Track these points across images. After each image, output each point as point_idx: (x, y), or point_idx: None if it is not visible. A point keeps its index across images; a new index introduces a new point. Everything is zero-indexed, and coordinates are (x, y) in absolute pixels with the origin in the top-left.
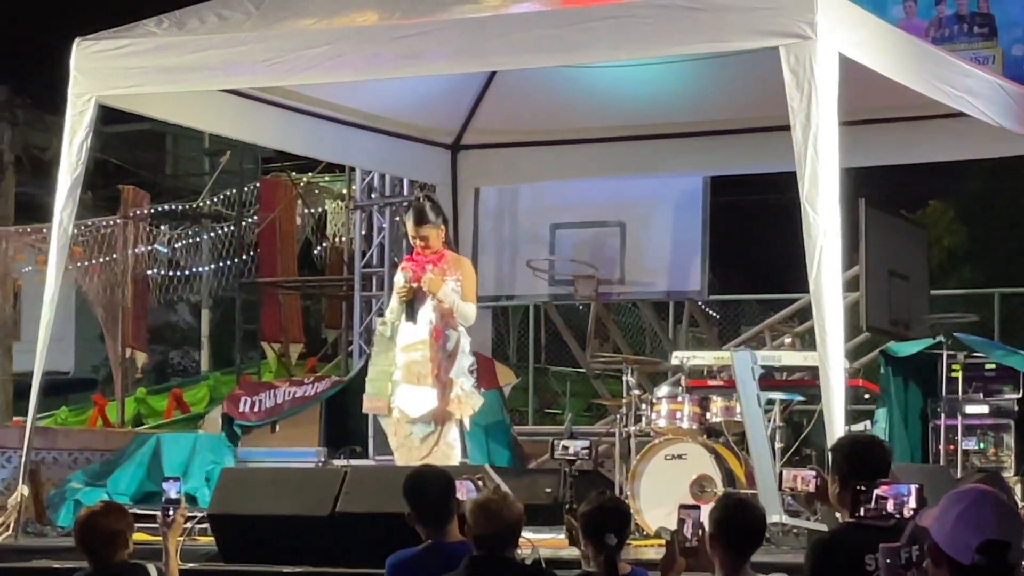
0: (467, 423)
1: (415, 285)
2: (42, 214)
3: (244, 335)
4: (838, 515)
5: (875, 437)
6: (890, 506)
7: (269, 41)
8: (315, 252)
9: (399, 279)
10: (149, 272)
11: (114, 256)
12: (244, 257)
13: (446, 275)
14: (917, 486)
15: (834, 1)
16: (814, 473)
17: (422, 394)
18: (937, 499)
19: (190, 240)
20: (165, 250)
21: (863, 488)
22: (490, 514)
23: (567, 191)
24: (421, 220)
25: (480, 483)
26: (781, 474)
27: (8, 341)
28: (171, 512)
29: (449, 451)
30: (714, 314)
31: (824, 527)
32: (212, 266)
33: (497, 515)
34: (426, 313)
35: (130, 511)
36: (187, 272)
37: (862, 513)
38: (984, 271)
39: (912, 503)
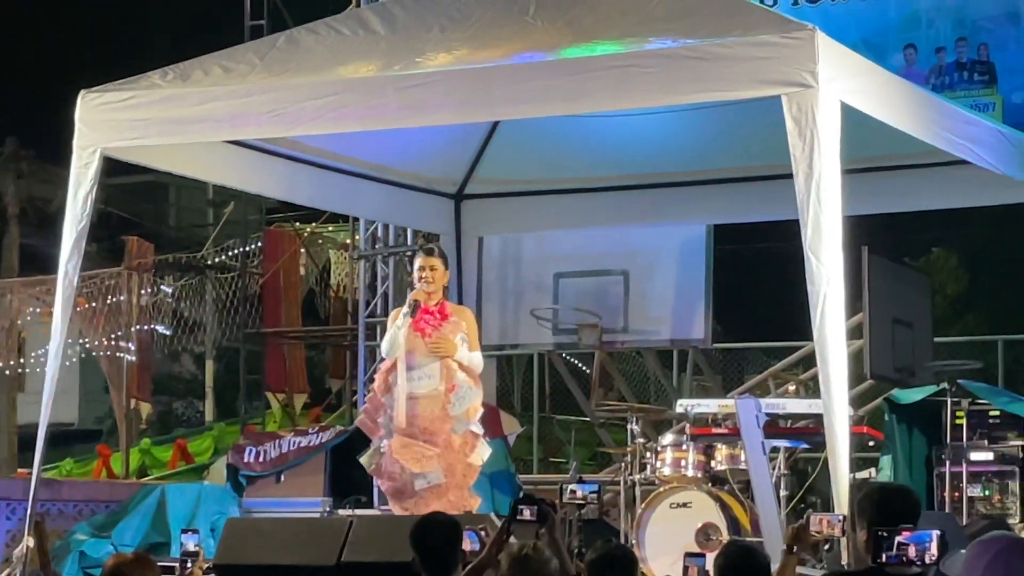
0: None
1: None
2: (47, 265)
3: (248, 385)
4: (844, 563)
5: (904, 486)
6: (912, 553)
7: (273, 92)
8: (319, 306)
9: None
10: (153, 323)
11: (118, 307)
12: (248, 308)
13: (450, 330)
14: (939, 533)
15: (835, 50)
16: (840, 517)
17: (426, 450)
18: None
19: (194, 291)
20: (169, 301)
21: (885, 534)
22: (529, 570)
23: (570, 240)
24: (430, 253)
25: (483, 533)
26: (808, 518)
27: (13, 393)
28: (189, 565)
29: (476, 502)
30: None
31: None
32: (216, 317)
33: (537, 571)
34: (438, 367)
35: None
36: (191, 323)
37: (883, 559)
38: (987, 318)
39: (934, 550)
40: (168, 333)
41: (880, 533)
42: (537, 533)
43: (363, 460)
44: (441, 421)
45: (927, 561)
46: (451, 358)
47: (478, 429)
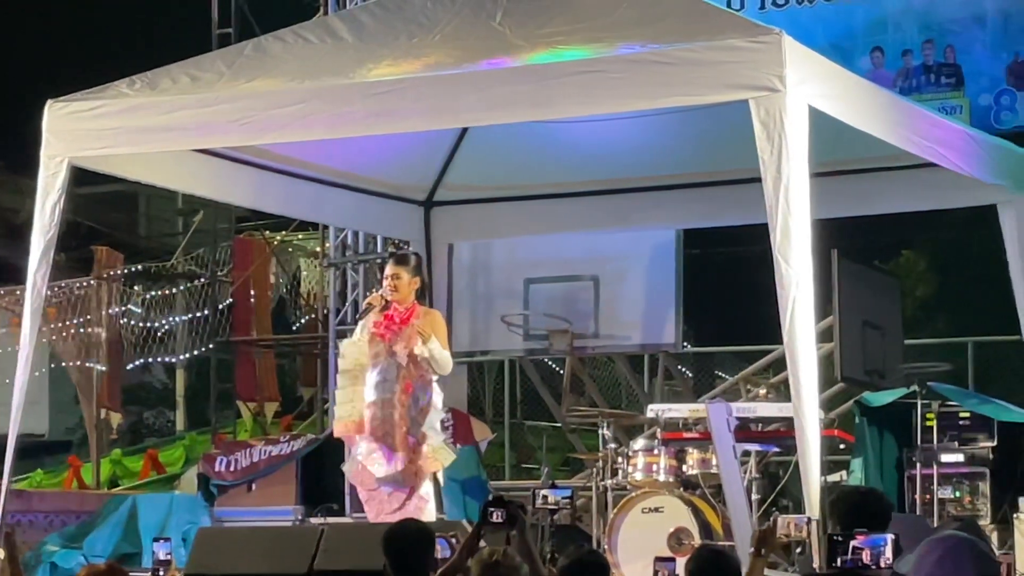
0: (441, 478)
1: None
2: (15, 276)
3: (219, 394)
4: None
5: (875, 489)
6: (866, 557)
7: (241, 101)
8: (289, 314)
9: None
10: (123, 332)
11: (88, 317)
12: (218, 316)
13: (419, 330)
14: (893, 536)
15: (803, 54)
16: (807, 519)
17: (388, 455)
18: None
19: (164, 300)
20: (139, 310)
21: (840, 538)
22: None
23: (540, 246)
24: (399, 261)
25: (454, 540)
26: (775, 521)
27: None
28: (161, 574)
29: (422, 505)
30: (687, 371)
31: None
32: (186, 325)
33: None
34: (397, 371)
35: None
36: (161, 332)
37: (838, 564)
38: (957, 320)
39: (888, 553)
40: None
41: (835, 537)
42: (508, 536)
43: (344, 468)
44: (397, 424)
45: (882, 565)
46: (412, 350)
47: (433, 431)
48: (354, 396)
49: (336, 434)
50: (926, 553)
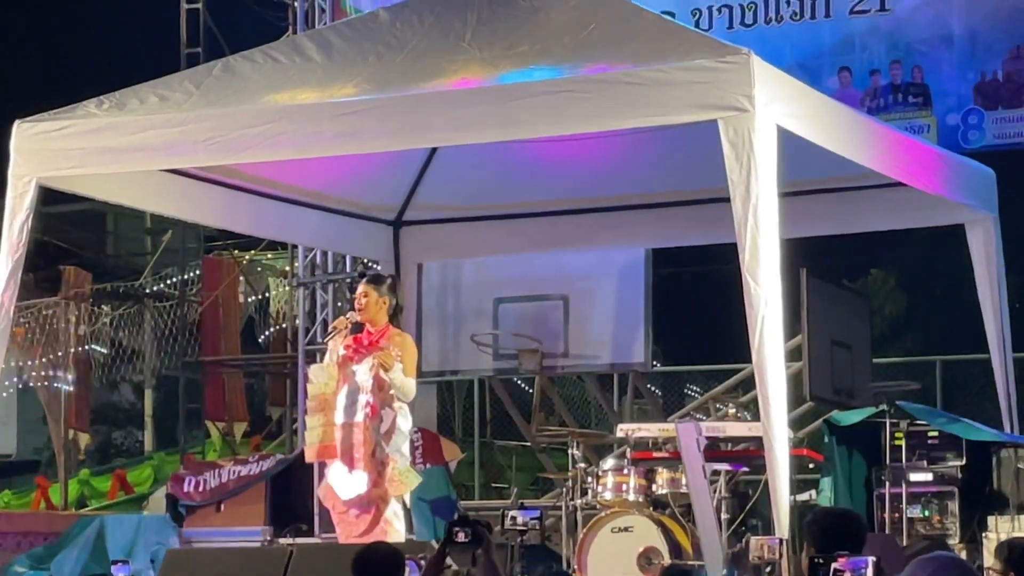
0: (408, 499)
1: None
2: None
3: (188, 414)
4: None
5: (850, 510)
6: None
7: (209, 120)
8: (258, 334)
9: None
10: (91, 352)
11: (56, 337)
12: (187, 336)
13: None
14: (875, 559)
15: (771, 74)
16: (778, 540)
17: (354, 477)
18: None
19: (132, 320)
20: (107, 330)
21: (821, 561)
22: None
23: (510, 265)
24: (370, 281)
25: (423, 562)
26: (748, 543)
27: None
28: None
29: (387, 527)
30: (656, 390)
31: None
32: (155, 345)
33: None
34: (362, 394)
35: None
36: (130, 352)
37: None
38: (925, 339)
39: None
40: (105, 351)
41: (816, 560)
42: (473, 555)
43: (318, 491)
44: (363, 447)
45: None
46: (381, 373)
47: (399, 454)
48: (323, 421)
49: (307, 459)
50: (917, 572)
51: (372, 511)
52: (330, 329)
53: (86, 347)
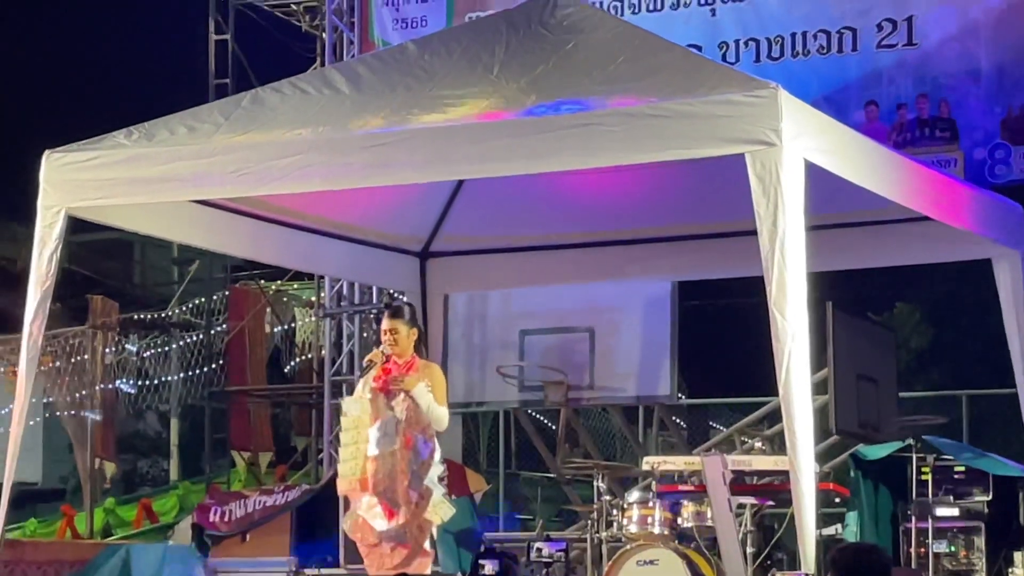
0: (434, 531)
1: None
2: (11, 325)
3: (213, 444)
4: None
5: (874, 545)
6: None
7: (238, 152)
8: (284, 364)
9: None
10: (118, 382)
11: (83, 366)
12: (213, 366)
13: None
14: None
15: (799, 108)
16: (805, 574)
17: (388, 509)
18: None
19: (159, 349)
20: (134, 348)
21: None
22: None
23: (536, 297)
24: (394, 314)
25: None
26: None
27: None
28: None
29: (427, 560)
30: (681, 423)
31: None
32: (181, 375)
33: None
34: (397, 426)
35: None
36: (156, 381)
37: None
38: (951, 373)
39: None
40: (132, 392)
41: None
42: None
43: (343, 524)
44: (398, 478)
45: None
46: (408, 393)
47: (434, 485)
48: (356, 453)
49: (340, 491)
50: None
51: (410, 544)
52: (366, 363)
53: (112, 376)
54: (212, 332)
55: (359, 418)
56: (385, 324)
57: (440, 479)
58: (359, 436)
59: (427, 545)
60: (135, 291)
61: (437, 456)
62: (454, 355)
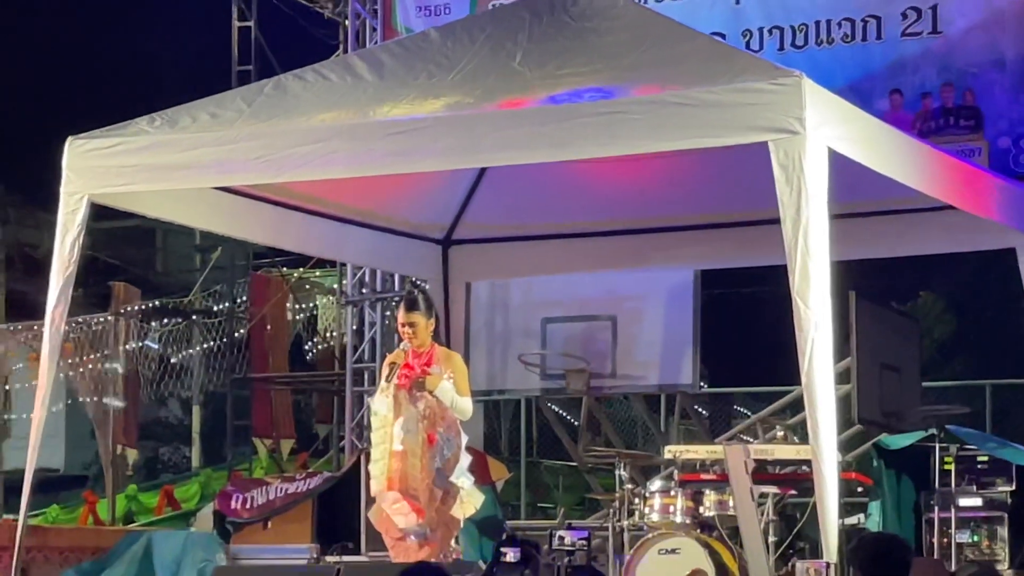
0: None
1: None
2: (33, 311)
3: (235, 431)
4: None
5: (896, 536)
6: None
7: (261, 139)
8: (306, 349)
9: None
10: (140, 368)
11: (105, 353)
12: (235, 353)
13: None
14: None
15: (822, 96)
16: (825, 564)
17: (410, 505)
18: None
19: (181, 336)
20: (156, 346)
21: None
22: None
23: (558, 285)
24: (411, 307)
25: None
26: (795, 566)
27: (0, 439)
28: None
29: (457, 554)
30: (703, 411)
31: None
32: (203, 362)
33: None
34: (420, 423)
35: None
36: (178, 368)
37: None
38: (975, 362)
39: None
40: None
41: None
42: (522, 575)
43: (370, 515)
44: (423, 475)
45: None
46: (430, 392)
47: (462, 481)
48: (385, 453)
49: (372, 492)
50: None
51: (436, 539)
52: (388, 367)
53: (135, 363)
54: (234, 319)
55: (386, 416)
56: (402, 318)
57: (470, 470)
58: (387, 435)
59: (453, 542)
60: (157, 278)
61: (463, 448)
62: (476, 343)
